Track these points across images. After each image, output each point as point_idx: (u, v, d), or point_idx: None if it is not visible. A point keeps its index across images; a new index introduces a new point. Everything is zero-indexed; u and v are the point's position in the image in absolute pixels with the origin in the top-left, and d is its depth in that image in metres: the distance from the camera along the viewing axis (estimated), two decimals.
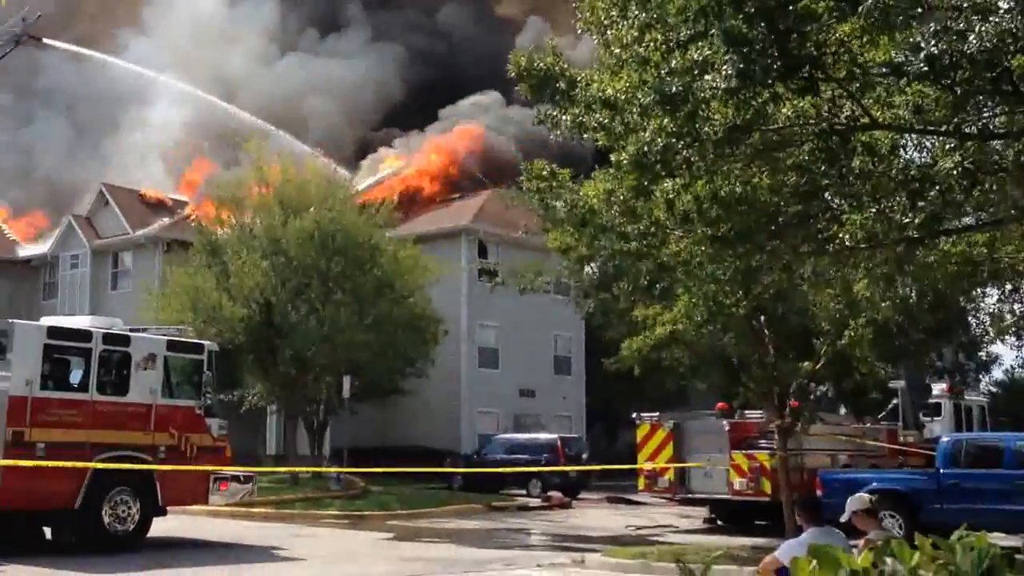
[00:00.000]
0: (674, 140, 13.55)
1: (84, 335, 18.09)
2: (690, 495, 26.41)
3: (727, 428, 25.17)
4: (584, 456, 35.53)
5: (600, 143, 15.30)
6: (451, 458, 36.96)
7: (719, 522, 26.28)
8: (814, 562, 2.60)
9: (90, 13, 62.93)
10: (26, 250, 50.48)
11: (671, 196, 15.08)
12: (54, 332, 17.88)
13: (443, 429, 41.43)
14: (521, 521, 27.63)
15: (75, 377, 18.07)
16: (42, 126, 60.37)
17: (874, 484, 21.18)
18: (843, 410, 30.51)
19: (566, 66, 15.01)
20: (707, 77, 12.63)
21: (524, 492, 34.03)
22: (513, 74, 15.12)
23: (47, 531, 18.17)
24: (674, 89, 12.89)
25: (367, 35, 61.73)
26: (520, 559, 19.13)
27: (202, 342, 20.52)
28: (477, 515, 28.77)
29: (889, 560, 2.37)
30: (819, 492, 21.28)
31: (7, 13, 30.94)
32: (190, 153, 52.12)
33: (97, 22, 62.03)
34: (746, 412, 25.84)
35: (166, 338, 19.54)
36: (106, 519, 17.46)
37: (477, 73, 52.25)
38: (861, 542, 11.09)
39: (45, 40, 32.39)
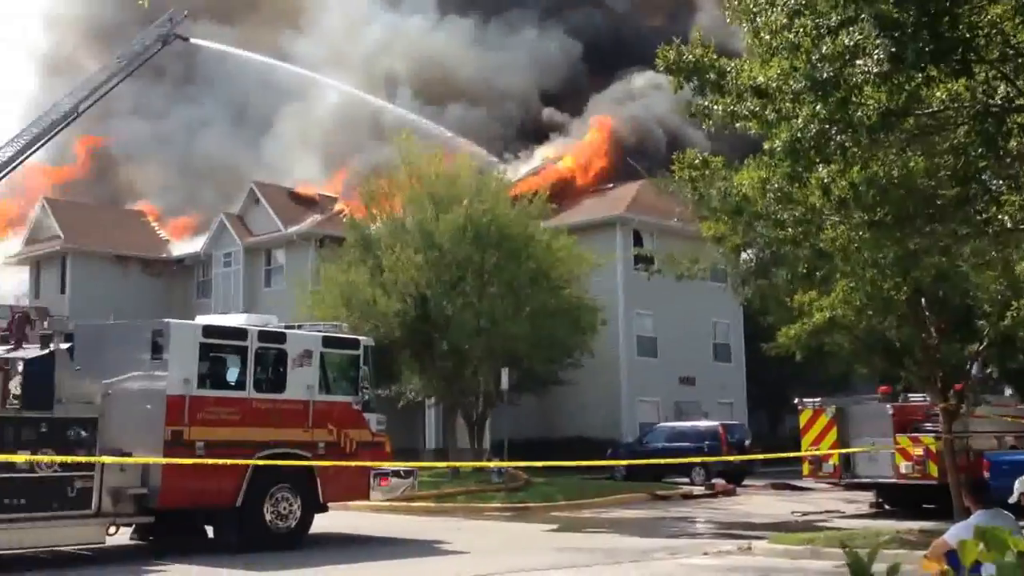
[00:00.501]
0: (827, 126, 13.41)
1: (239, 333, 18.13)
2: (855, 480, 26.00)
3: (891, 412, 24.80)
4: (747, 443, 35.00)
5: (753, 131, 15.10)
6: (612, 447, 36.62)
7: (886, 506, 25.86)
8: (981, 544, 2.51)
9: (251, 10, 64.48)
10: (179, 249, 51.92)
11: (826, 182, 14.94)
12: (210, 331, 17.96)
13: (603, 419, 41.11)
14: (685, 509, 27.24)
15: (232, 375, 18.10)
16: (195, 124, 62.22)
17: None
18: (1008, 391, 29.87)
19: (715, 56, 14.82)
20: (859, 62, 12.45)
21: (687, 480, 33.53)
22: (661, 68, 15.07)
23: (209, 530, 18.32)
24: (826, 75, 12.77)
25: (534, 14, 61.45)
26: (685, 547, 18.77)
27: (358, 337, 20.48)
28: (640, 504, 28.46)
29: None
30: (986, 474, 20.69)
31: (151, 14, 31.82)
32: (342, 149, 52.88)
33: (258, 20, 63.52)
34: (910, 395, 25.57)
35: (321, 334, 19.49)
36: (267, 516, 17.47)
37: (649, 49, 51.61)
38: None
39: (192, 40, 33.19)
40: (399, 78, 57.09)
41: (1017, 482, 10.92)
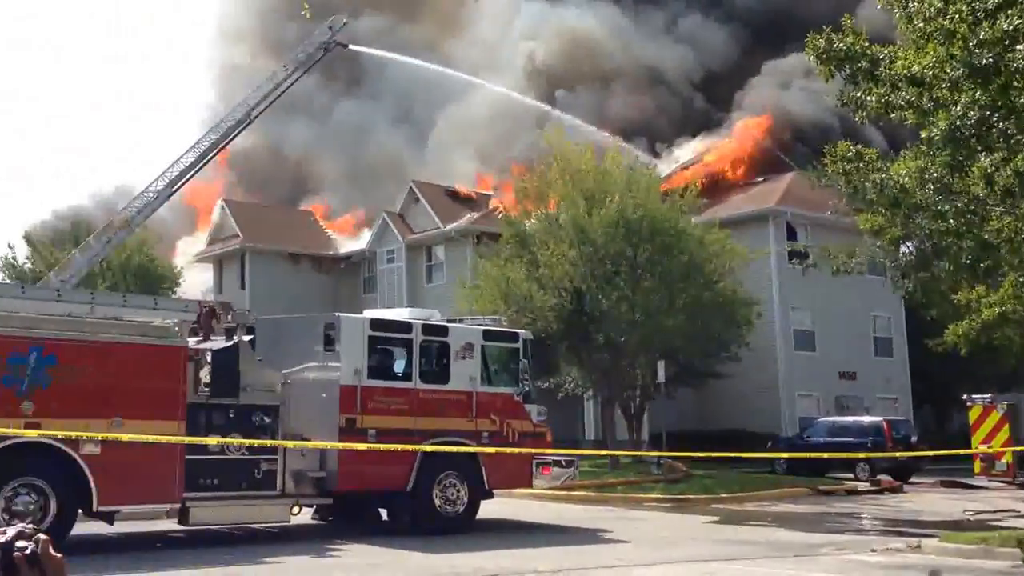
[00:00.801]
0: (988, 113, 13.00)
1: (405, 326, 18.84)
2: None
3: None
4: (913, 439, 34.21)
5: (909, 122, 14.81)
6: (772, 441, 36.39)
7: None
8: None
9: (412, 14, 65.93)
10: (345, 247, 53.75)
11: (990, 171, 14.47)
12: (377, 324, 18.69)
13: (762, 412, 40.84)
14: (850, 505, 26.84)
15: (398, 367, 18.76)
16: (360, 124, 63.98)
17: None
18: None
19: (868, 44, 14.57)
20: (1019, 47, 12.06)
21: (851, 476, 33.05)
22: (811, 57, 14.82)
23: (383, 514, 19.08)
24: (984, 61, 12.37)
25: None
26: (852, 544, 18.54)
27: (517, 331, 20.94)
28: (803, 499, 28.22)
29: None
30: None
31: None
32: (498, 147, 53.71)
33: (420, 22, 64.91)
34: None
35: (482, 328, 20.04)
36: (437, 501, 18.15)
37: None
38: None
39: (351, 46, 34.29)
40: (550, 69, 57.58)
41: None
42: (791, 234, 42.99)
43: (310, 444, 16.73)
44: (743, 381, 39.28)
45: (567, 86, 56.00)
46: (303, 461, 16.84)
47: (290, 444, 16.36)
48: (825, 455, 30.06)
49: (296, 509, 16.95)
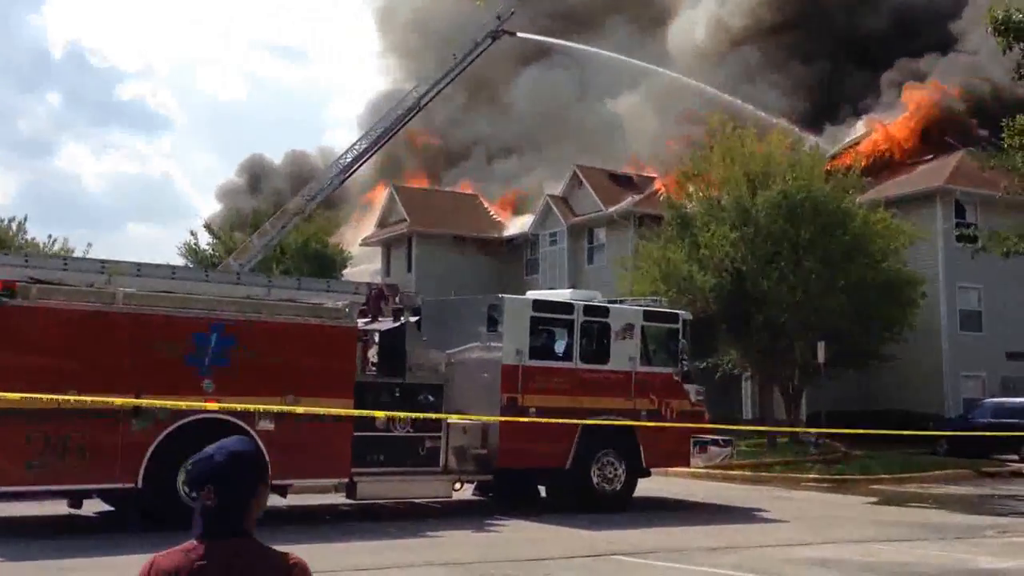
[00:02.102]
0: None
1: (566, 307, 19.19)
2: None
3: None
4: None
5: None
6: (934, 422, 35.65)
7: None
8: None
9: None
10: (509, 230, 54.59)
11: None
12: (539, 305, 19.14)
13: (925, 394, 39.95)
14: (1014, 488, 26.32)
15: (559, 347, 19.12)
16: (521, 111, 64.92)
17: None
18: None
19: None
20: None
21: (1016, 458, 32.22)
22: (989, 28, 14.44)
23: (542, 491, 19.60)
24: None
25: None
26: (1016, 526, 18.37)
27: (677, 311, 21.08)
28: (966, 481, 27.76)
29: None
30: None
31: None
32: (662, 130, 53.66)
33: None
34: None
35: (642, 308, 20.30)
36: (594, 479, 18.56)
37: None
38: None
39: (519, 34, 34.75)
40: (707, 52, 57.26)
41: None
42: (960, 213, 41.79)
43: (472, 418, 17.33)
44: (906, 362, 38.45)
45: (727, 74, 55.52)
46: (465, 438, 17.46)
47: (453, 418, 17.01)
48: (988, 434, 29.38)
49: (458, 485, 17.60)
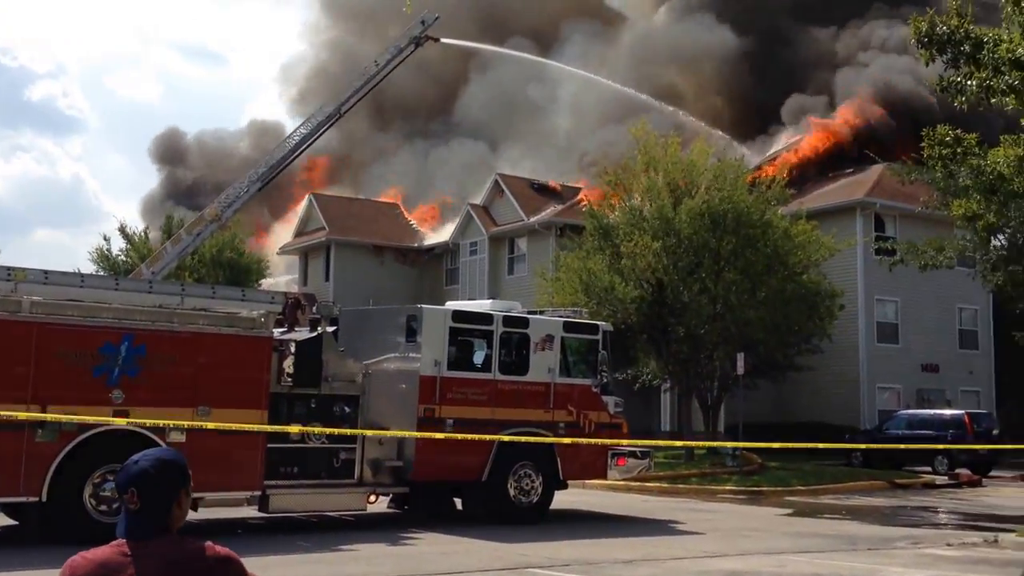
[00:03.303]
0: None
1: (486, 318, 19.10)
2: None
3: None
4: (994, 432, 33.89)
5: (1010, 107, 14.56)
6: (850, 434, 36.18)
7: None
8: None
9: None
10: (429, 239, 54.44)
11: None
12: (458, 316, 19.00)
13: (841, 405, 40.59)
14: (927, 499, 26.76)
15: (478, 358, 19.03)
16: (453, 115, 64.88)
17: None
18: None
19: (971, 27, 14.33)
20: None
21: (929, 469, 32.81)
22: (913, 40, 14.60)
23: (458, 503, 19.47)
24: None
25: None
26: (928, 537, 18.54)
27: (597, 323, 21.06)
28: (879, 492, 28.19)
29: None
30: None
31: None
32: (585, 139, 53.89)
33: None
34: None
35: (562, 319, 20.24)
36: (511, 491, 18.48)
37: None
38: None
39: (444, 40, 34.57)
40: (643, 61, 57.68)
41: None
42: (879, 226, 42.54)
43: (388, 433, 17.18)
44: (823, 374, 39.08)
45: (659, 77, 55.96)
46: (381, 450, 17.32)
47: (369, 432, 16.85)
48: (901, 446, 29.88)
49: (372, 498, 17.42)
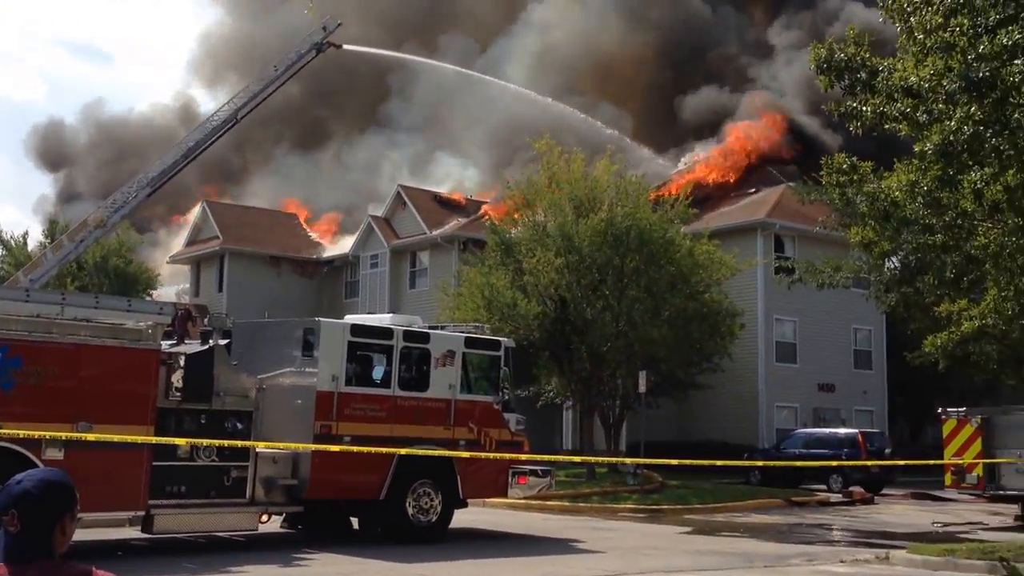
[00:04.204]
0: (982, 128, 13.01)
1: (385, 333, 18.69)
2: (1001, 492, 25.39)
3: None
4: (887, 451, 34.62)
5: (903, 134, 14.82)
6: (749, 452, 36.49)
7: None
8: None
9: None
10: (328, 251, 53.61)
11: (979, 186, 14.52)
12: (357, 330, 18.57)
13: (740, 424, 40.97)
14: (822, 516, 27.11)
15: (377, 373, 18.67)
16: (349, 129, 64.22)
17: None
18: None
19: (868, 55, 14.61)
20: (1017, 61, 12.12)
21: (824, 487, 33.25)
22: (812, 66, 14.87)
23: (355, 522, 19.02)
24: (982, 75, 12.40)
25: None
26: (822, 554, 18.71)
27: (499, 339, 20.84)
28: (776, 510, 28.44)
29: None
30: None
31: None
32: (496, 152, 53.65)
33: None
34: None
35: (464, 335, 19.94)
36: (410, 510, 18.04)
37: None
38: None
39: (345, 46, 34.00)
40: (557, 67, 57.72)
41: None
42: (779, 246, 43.11)
43: (280, 446, 16.61)
44: (723, 392, 39.36)
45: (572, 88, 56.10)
46: (275, 468, 16.74)
47: (261, 446, 16.26)
48: (798, 464, 30.25)
49: (265, 517, 16.87)
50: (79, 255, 33.83)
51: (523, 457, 19.81)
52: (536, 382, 33.77)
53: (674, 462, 19.60)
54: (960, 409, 25.77)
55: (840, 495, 31.83)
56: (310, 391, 17.44)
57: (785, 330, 43.34)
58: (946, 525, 24.80)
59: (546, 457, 22.23)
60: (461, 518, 19.50)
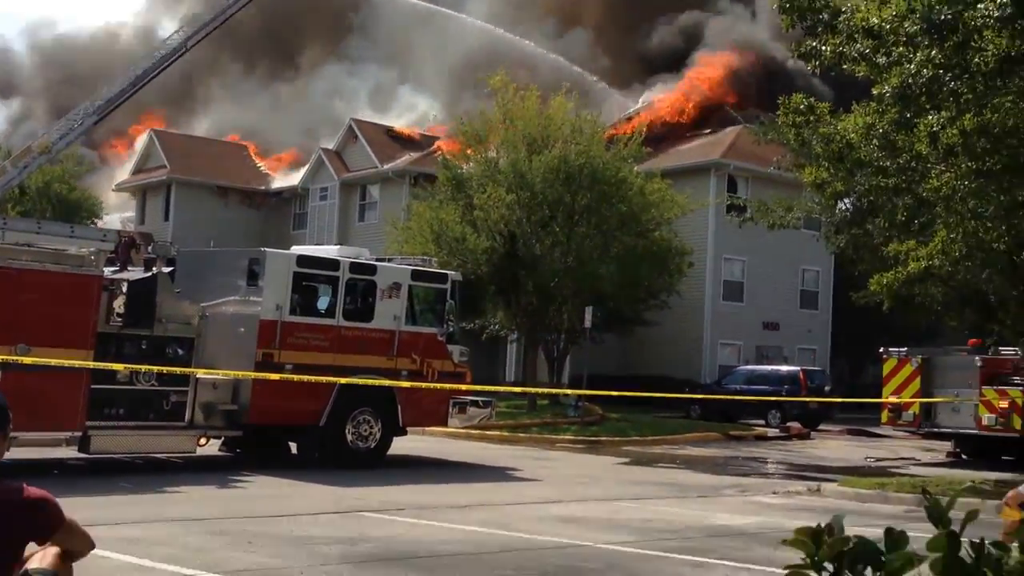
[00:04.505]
0: (941, 71, 13.12)
1: (332, 264, 18.84)
2: (935, 429, 26.20)
3: (980, 364, 24.82)
4: (827, 389, 35.18)
5: (861, 74, 14.89)
6: (690, 388, 36.99)
7: (963, 456, 25.98)
8: None
9: None
10: (278, 183, 53.33)
11: (935, 130, 14.68)
12: (303, 260, 18.74)
13: (684, 360, 41.45)
14: (758, 450, 27.70)
15: (322, 304, 18.86)
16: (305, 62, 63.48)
17: None
18: None
19: None
20: (980, 6, 12.16)
21: (763, 422, 33.86)
22: (774, 5, 14.88)
23: (293, 447, 19.24)
24: (943, 17, 12.46)
25: None
26: (755, 486, 19.19)
27: (446, 272, 21.03)
28: (714, 443, 28.98)
29: None
30: None
31: None
32: (453, 86, 53.32)
33: None
34: (1000, 349, 25.38)
35: (410, 268, 20.10)
36: (349, 437, 18.32)
37: None
38: None
39: None
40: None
41: None
42: (732, 187, 43.31)
43: (220, 373, 16.78)
44: (669, 329, 39.81)
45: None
46: (215, 394, 16.94)
47: (201, 372, 16.42)
48: (736, 398, 30.78)
49: (203, 440, 17.07)
50: (22, 180, 33.47)
51: (463, 387, 20.08)
52: (482, 315, 34.02)
53: (614, 393, 19.96)
54: (901, 349, 26.34)
55: (777, 430, 32.44)
56: (253, 320, 17.59)
57: (734, 269, 43.76)
58: (879, 460, 25.45)
59: (487, 388, 22.50)
60: (401, 445, 19.80)
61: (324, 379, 17.26)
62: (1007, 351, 25.07)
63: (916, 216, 19.11)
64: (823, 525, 2.20)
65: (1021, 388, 23.56)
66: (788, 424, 32.64)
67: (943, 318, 28.77)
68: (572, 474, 20.19)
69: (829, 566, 2.14)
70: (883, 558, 2.14)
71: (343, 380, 17.63)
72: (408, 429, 19.75)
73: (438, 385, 19.10)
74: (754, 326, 43.49)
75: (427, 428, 22.03)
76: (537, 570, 10.11)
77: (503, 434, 27.00)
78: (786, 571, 2.20)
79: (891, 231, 20.43)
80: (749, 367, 38.56)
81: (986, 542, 2.22)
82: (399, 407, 18.94)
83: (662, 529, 13.14)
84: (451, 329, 20.26)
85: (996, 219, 17.45)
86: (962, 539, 2.20)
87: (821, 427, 34.20)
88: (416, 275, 19.86)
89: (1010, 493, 10.96)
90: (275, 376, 16.61)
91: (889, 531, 2.21)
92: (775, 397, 31.77)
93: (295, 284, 18.11)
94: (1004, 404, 24.08)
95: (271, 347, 17.51)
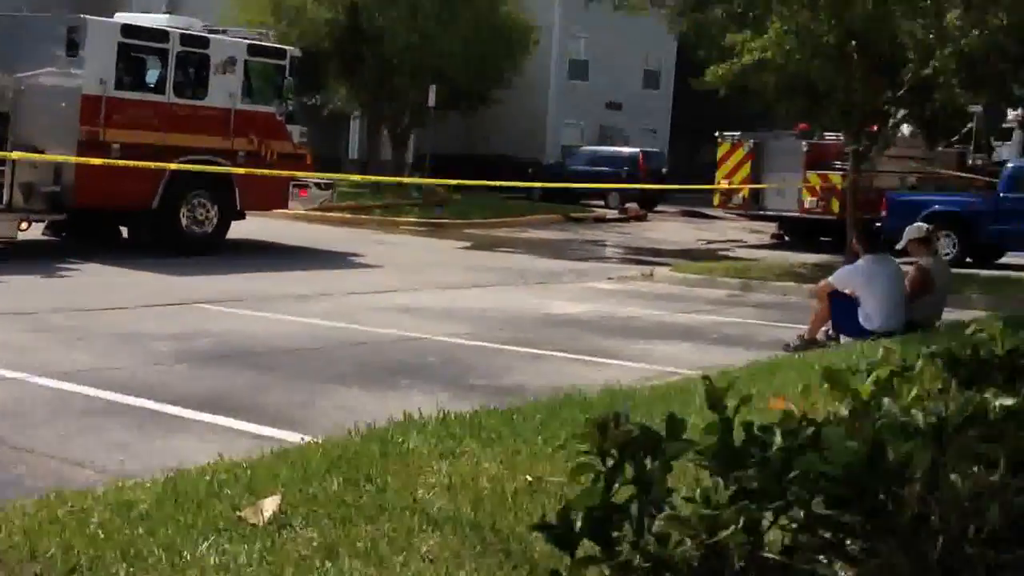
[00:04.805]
0: None
1: (160, 34, 17.88)
2: (762, 212, 27.53)
3: (805, 149, 25.90)
4: (663, 170, 35.89)
5: None
6: (534, 168, 37.11)
7: (786, 238, 27.17)
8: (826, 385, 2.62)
9: None
10: None
11: None
12: (129, 30, 17.65)
13: (528, 139, 41.45)
14: (597, 233, 28.25)
15: (151, 78, 18.02)
16: None
17: (936, 206, 22.57)
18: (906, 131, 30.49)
19: None
20: None
21: (602, 204, 34.37)
22: None
23: (124, 232, 18.62)
24: None
25: None
26: (592, 271, 19.58)
27: (284, 47, 20.25)
28: (555, 225, 29.36)
29: (886, 400, 2.47)
30: (884, 212, 22.53)
31: None
32: None
33: None
34: (825, 134, 26.09)
35: (247, 41, 19.24)
36: (183, 221, 17.74)
37: None
38: (912, 269, 11.39)
39: None
40: None
41: (907, 229, 11.66)
42: None
43: (40, 156, 15.87)
44: (513, 108, 39.53)
45: None
46: (35, 174, 16.07)
47: (17, 155, 15.48)
48: (575, 186, 31.10)
49: (24, 225, 16.27)
50: None
51: (300, 175, 19.60)
52: (324, 91, 33.09)
53: (457, 182, 19.78)
54: (735, 133, 26.86)
55: (616, 212, 33.04)
56: (75, 94, 16.68)
57: (578, 47, 43.43)
58: (710, 242, 26.29)
59: (328, 176, 22.04)
60: (240, 229, 19.33)
61: (152, 165, 16.42)
62: (831, 136, 25.73)
63: (751, 9, 19.27)
64: (611, 415, 2.27)
65: (842, 173, 24.20)
66: (626, 206, 33.26)
67: (775, 105, 29.32)
68: (413, 261, 20.14)
69: (615, 453, 2.24)
70: (663, 444, 2.26)
71: (172, 166, 16.90)
72: (247, 212, 19.24)
73: (276, 172, 18.49)
74: (598, 106, 43.59)
75: (269, 211, 21.52)
76: (379, 365, 10.02)
77: (345, 216, 26.64)
78: (575, 464, 2.30)
79: (728, 22, 20.58)
80: (591, 148, 38.88)
81: (755, 425, 2.35)
82: (236, 191, 18.37)
83: (501, 319, 13.22)
84: (291, 108, 19.67)
85: (827, 11, 17.80)
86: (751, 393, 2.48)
87: (658, 208, 34.94)
88: (253, 49, 19.09)
89: (821, 284, 11.45)
90: (98, 161, 15.75)
91: (671, 417, 2.32)
92: (615, 184, 32.22)
93: (120, 56, 17.17)
94: (824, 188, 25.23)
95: (96, 124, 16.68)
